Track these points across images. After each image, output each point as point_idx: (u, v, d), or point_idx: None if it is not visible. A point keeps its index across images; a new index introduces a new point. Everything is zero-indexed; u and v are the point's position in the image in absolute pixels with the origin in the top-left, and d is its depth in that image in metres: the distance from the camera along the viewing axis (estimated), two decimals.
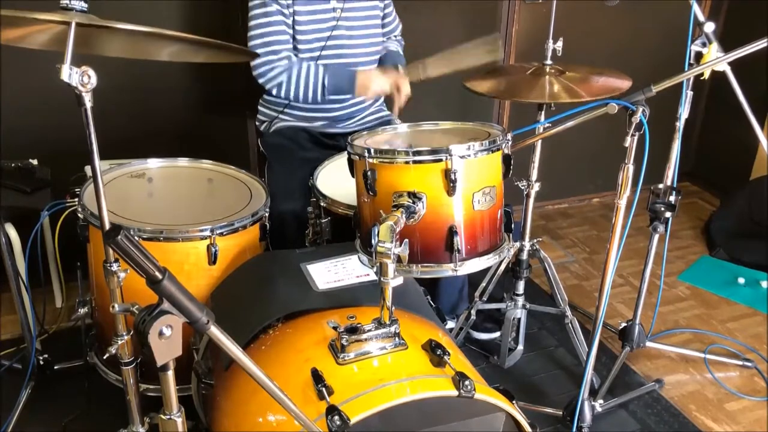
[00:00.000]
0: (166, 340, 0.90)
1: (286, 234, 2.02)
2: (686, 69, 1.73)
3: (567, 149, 3.14)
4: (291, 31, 2.11)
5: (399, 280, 1.22)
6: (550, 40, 1.94)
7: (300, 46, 2.13)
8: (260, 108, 2.34)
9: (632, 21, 3.14)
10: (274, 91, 2.13)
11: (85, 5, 1.24)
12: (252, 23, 2.09)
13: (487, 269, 2.13)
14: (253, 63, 2.09)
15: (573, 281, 2.80)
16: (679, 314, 2.59)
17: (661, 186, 2.01)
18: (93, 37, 1.37)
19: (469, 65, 2.09)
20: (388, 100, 2.33)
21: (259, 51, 2.06)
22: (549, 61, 1.94)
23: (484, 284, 2.18)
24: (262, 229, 1.85)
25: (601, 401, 1.96)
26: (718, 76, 1.69)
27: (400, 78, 2.17)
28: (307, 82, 2.10)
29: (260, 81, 2.12)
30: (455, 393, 1.15)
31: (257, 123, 2.37)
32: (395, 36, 2.44)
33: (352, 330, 1.25)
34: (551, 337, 2.42)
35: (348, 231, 1.61)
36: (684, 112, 1.92)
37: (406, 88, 2.18)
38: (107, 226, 1.36)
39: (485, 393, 1.18)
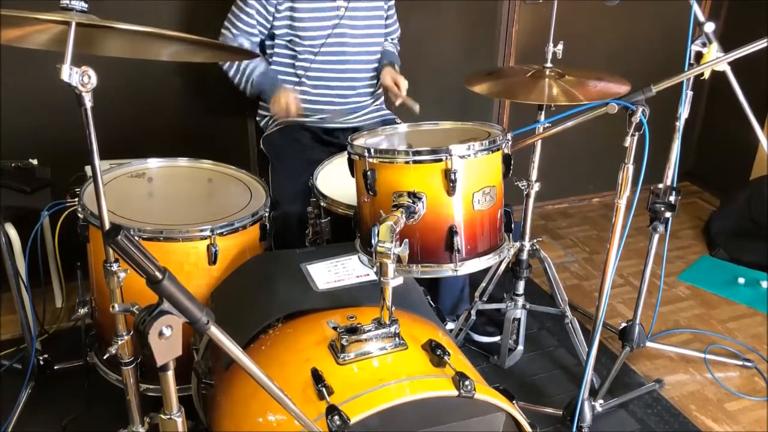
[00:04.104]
0: (166, 340, 0.90)
1: (287, 234, 2.03)
2: (686, 69, 1.73)
3: (567, 149, 3.14)
4: (267, 24, 2.18)
5: (399, 280, 1.22)
6: (551, 44, 1.94)
7: (301, 41, 2.16)
8: (260, 102, 2.36)
9: (632, 21, 3.13)
10: (224, 67, 2.24)
11: (85, 5, 1.24)
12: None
13: (487, 269, 2.13)
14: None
15: (573, 281, 2.80)
16: (679, 314, 2.59)
17: (661, 186, 2.01)
18: (93, 37, 1.37)
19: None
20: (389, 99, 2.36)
21: (222, 30, 2.21)
22: (549, 64, 1.94)
23: (484, 284, 2.18)
24: (262, 229, 1.84)
25: (601, 401, 1.96)
26: (718, 76, 1.69)
27: (396, 75, 2.24)
28: (244, 71, 2.20)
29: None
30: (455, 393, 1.15)
31: (258, 119, 2.39)
32: (392, 39, 2.45)
33: (352, 330, 1.25)
34: (551, 337, 2.42)
35: (348, 231, 1.61)
36: (684, 112, 1.92)
37: (405, 82, 2.23)
38: (107, 226, 1.36)
39: (485, 393, 1.18)
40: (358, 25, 2.20)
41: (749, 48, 1.49)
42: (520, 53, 3.01)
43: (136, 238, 0.87)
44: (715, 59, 1.64)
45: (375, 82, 2.34)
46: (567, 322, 2.15)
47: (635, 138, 1.55)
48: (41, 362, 2.00)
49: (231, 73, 2.24)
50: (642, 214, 1.91)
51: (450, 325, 2.23)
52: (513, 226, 1.55)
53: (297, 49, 2.19)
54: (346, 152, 1.48)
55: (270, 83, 2.21)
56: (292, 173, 2.12)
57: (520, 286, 2.18)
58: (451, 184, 1.34)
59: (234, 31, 2.18)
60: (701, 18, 1.73)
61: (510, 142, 1.46)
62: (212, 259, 1.71)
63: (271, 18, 2.16)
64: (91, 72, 1.20)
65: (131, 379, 1.51)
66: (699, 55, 1.76)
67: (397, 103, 2.23)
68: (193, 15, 2.47)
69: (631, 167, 1.58)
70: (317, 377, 1.17)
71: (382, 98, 2.42)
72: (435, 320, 1.52)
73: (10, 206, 2.03)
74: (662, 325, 2.51)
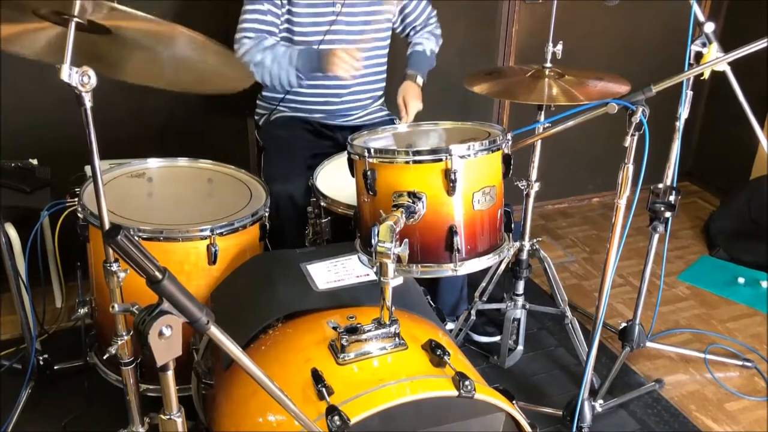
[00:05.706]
0: (166, 340, 0.90)
1: (286, 234, 2.03)
2: (686, 69, 1.73)
3: (567, 149, 3.14)
4: (278, 21, 2.13)
5: (399, 280, 1.22)
6: (550, 44, 1.94)
7: (296, 38, 2.15)
8: (258, 102, 2.35)
9: (632, 21, 3.13)
10: (251, 67, 2.06)
11: None
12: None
13: (487, 269, 2.13)
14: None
15: (573, 281, 2.80)
16: (679, 314, 2.59)
17: (660, 186, 2.01)
18: (93, 37, 1.37)
19: None
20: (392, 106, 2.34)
21: (239, 35, 2.10)
22: (548, 64, 1.94)
23: (483, 284, 2.18)
24: (262, 229, 1.84)
25: (601, 401, 1.96)
26: (718, 76, 1.69)
27: (409, 96, 2.18)
28: (280, 63, 2.05)
29: (237, 56, 2.09)
30: (455, 393, 1.15)
31: (256, 117, 2.38)
32: (429, 23, 2.39)
33: (352, 330, 1.25)
34: (551, 337, 2.42)
35: (348, 231, 1.61)
36: (684, 112, 1.92)
37: (416, 105, 2.17)
38: (107, 226, 1.36)
39: (485, 393, 1.18)
40: (355, 22, 2.19)
41: (749, 48, 1.49)
42: (520, 53, 3.01)
43: (135, 238, 0.87)
44: (715, 59, 1.64)
45: (375, 79, 2.33)
46: (567, 322, 2.15)
47: (635, 138, 1.55)
48: (41, 362, 2.00)
49: (258, 77, 2.08)
50: (642, 214, 1.91)
51: (450, 325, 2.23)
52: (513, 226, 1.55)
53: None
54: (346, 152, 1.48)
55: (306, 56, 2.05)
56: (286, 153, 2.10)
57: (520, 286, 2.18)
58: (451, 184, 1.34)
59: (250, 34, 2.09)
60: (701, 18, 1.73)
61: (510, 142, 1.47)
62: (212, 259, 1.71)
63: (280, 13, 2.13)
64: (91, 72, 1.20)
65: (131, 379, 1.51)
66: (699, 55, 1.76)
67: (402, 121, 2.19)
68: (193, 15, 2.46)
69: (631, 167, 1.58)
70: (317, 377, 1.17)
71: (383, 98, 2.41)
72: (435, 320, 1.52)
73: (10, 206, 2.03)
74: (662, 325, 2.51)
